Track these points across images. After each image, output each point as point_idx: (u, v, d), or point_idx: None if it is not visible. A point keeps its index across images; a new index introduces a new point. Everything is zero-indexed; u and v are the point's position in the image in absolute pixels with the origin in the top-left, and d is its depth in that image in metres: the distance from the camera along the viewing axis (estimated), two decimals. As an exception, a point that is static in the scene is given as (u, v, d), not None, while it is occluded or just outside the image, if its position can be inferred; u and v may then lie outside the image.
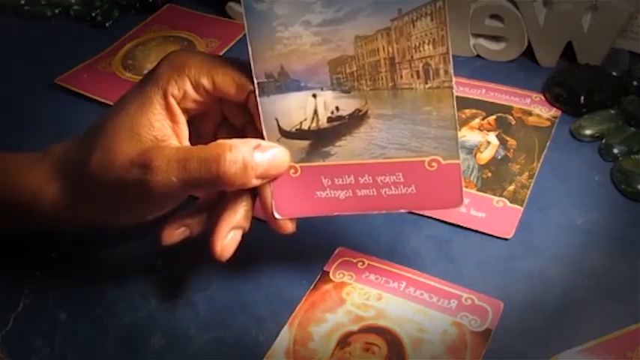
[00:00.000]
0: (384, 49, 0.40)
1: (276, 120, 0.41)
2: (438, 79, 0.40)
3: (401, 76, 0.40)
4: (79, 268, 0.49)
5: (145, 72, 0.65)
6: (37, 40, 0.74)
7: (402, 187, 0.41)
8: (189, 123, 0.42)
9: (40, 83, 0.67)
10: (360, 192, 0.42)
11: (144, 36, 0.72)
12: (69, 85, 0.66)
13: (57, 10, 0.77)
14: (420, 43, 0.39)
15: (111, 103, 0.62)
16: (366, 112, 0.41)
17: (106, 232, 0.47)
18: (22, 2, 0.78)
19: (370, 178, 0.41)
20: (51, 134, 0.60)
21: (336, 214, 0.42)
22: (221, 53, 0.69)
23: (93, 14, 0.76)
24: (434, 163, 0.41)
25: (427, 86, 0.40)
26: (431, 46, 0.39)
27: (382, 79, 0.40)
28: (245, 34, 0.40)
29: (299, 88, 0.41)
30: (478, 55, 0.66)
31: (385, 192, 0.41)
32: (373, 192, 0.42)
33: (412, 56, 0.40)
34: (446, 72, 0.40)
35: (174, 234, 0.43)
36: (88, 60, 0.69)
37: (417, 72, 0.40)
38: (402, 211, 0.42)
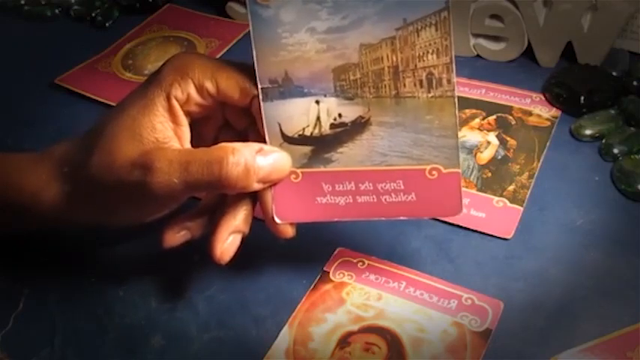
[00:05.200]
0: (388, 57, 0.40)
1: (279, 125, 0.41)
2: (441, 89, 0.40)
3: (404, 85, 0.40)
4: (79, 268, 0.49)
5: (145, 72, 0.67)
6: (37, 40, 0.74)
7: (402, 194, 0.41)
8: (191, 126, 0.42)
9: (40, 83, 0.67)
10: (361, 198, 0.42)
11: (144, 36, 0.72)
12: (69, 85, 0.66)
13: (57, 10, 0.77)
14: (423, 53, 0.39)
15: (111, 103, 0.62)
16: (369, 119, 0.41)
17: (106, 232, 0.47)
18: (22, 2, 0.78)
19: (371, 185, 0.41)
20: (51, 134, 0.60)
21: (335, 219, 0.43)
22: (221, 53, 0.69)
23: (93, 14, 0.76)
24: (434, 172, 0.41)
25: (430, 95, 0.40)
26: (435, 56, 0.39)
27: (385, 87, 0.40)
28: (247, 36, 0.40)
29: (302, 95, 0.41)
30: (478, 55, 0.66)
31: (385, 199, 0.42)
32: (373, 199, 0.42)
33: (416, 65, 0.40)
34: (449, 81, 0.40)
35: (175, 237, 0.43)
36: (88, 60, 0.69)
37: (420, 81, 0.40)
38: (401, 218, 0.42)
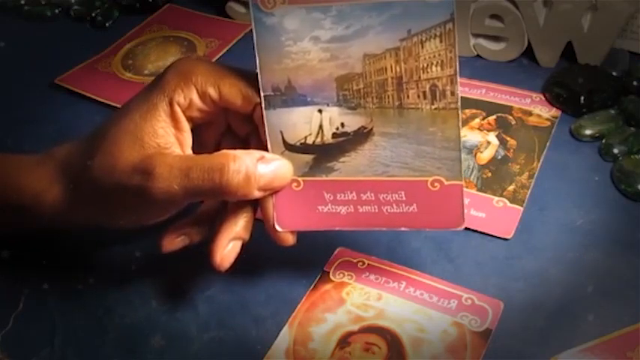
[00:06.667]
0: (391, 68, 0.40)
1: (281, 133, 0.41)
2: (445, 101, 0.40)
3: (407, 96, 0.40)
4: (79, 268, 0.49)
5: (145, 72, 0.67)
6: (37, 40, 0.74)
7: (403, 205, 0.41)
8: (193, 131, 0.42)
9: (40, 83, 0.67)
10: (362, 208, 0.42)
11: (144, 36, 0.72)
12: (69, 85, 0.66)
13: (57, 10, 0.77)
14: (427, 64, 0.39)
15: (111, 103, 0.62)
16: (371, 129, 0.41)
17: (106, 233, 0.47)
18: (22, 2, 0.78)
19: (372, 195, 0.41)
20: (51, 134, 0.60)
21: (336, 229, 0.43)
22: (221, 53, 0.69)
23: (93, 14, 0.76)
24: (437, 184, 0.41)
25: (433, 107, 0.40)
26: (439, 68, 0.39)
27: (388, 97, 0.40)
28: (247, 36, 0.40)
29: (305, 103, 0.41)
30: (478, 55, 0.66)
31: (387, 209, 0.42)
32: (375, 209, 0.42)
33: (419, 77, 0.40)
34: (452, 93, 0.40)
35: (174, 242, 0.43)
36: (88, 60, 0.69)
37: (424, 92, 0.40)
38: (402, 229, 0.42)
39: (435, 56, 0.39)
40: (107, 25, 0.75)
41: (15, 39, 0.74)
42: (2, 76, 0.67)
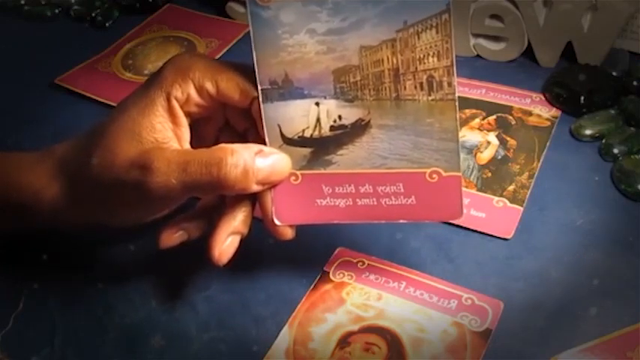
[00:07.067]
0: (388, 59, 0.40)
1: (279, 127, 0.41)
2: (442, 92, 0.40)
3: (404, 87, 0.40)
4: (79, 268, 0.49)
5: (145, 72, 0.67)
6: (37, 40, 0.74)
7: (402, 197, 0.41)
8: (192, 126, 0.42)
9: (40, 83, 0.67)
10: (361, 201, 0.42)
11: (144, 36, 0.72)
12: (69, 85, 0.66)
13: (57, 10, 0.77)
14: (424, 55, 0.39)
15: (111, 103, 0.62)
16: (369, 121, 0.41)
17: (106, 232, 0.47)
18: (22, 2, 0.78)
19: (371, 187, 0.41)
20: (51, 134, 0.60)
21: (335, 222, 0.43)
22: (221, 53, 0.69)
23: (93, 14, 0.76)
24: (435, 175, 0.41)
25: (430, 98, 0.40)
26: (435, 59, 0.39)
27: (386, 89, 0.40)
28: (247, 36, 0.40)
29: (302, 96, 0.41)
30: (478, 55, 0.66)
31: (385, 202, 0.42)
32: (373, 201, 0.42)
33: (416, 68, 0.40)
34: (449, 84, 0.40)
35: (172, 238, 0.43)
36: (88, 60, 0.69)
37: (421, 84, 0.40)
38: (401, 221, 0.42)
39: (431, 47, 0.39)
40: (107, 25, 0.75)
41: (15, 39, 0.74)
42: (2, 76, 0.67)
